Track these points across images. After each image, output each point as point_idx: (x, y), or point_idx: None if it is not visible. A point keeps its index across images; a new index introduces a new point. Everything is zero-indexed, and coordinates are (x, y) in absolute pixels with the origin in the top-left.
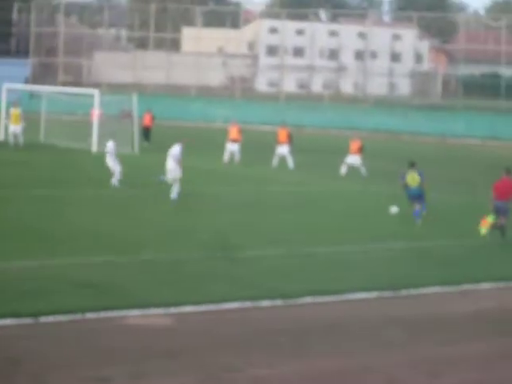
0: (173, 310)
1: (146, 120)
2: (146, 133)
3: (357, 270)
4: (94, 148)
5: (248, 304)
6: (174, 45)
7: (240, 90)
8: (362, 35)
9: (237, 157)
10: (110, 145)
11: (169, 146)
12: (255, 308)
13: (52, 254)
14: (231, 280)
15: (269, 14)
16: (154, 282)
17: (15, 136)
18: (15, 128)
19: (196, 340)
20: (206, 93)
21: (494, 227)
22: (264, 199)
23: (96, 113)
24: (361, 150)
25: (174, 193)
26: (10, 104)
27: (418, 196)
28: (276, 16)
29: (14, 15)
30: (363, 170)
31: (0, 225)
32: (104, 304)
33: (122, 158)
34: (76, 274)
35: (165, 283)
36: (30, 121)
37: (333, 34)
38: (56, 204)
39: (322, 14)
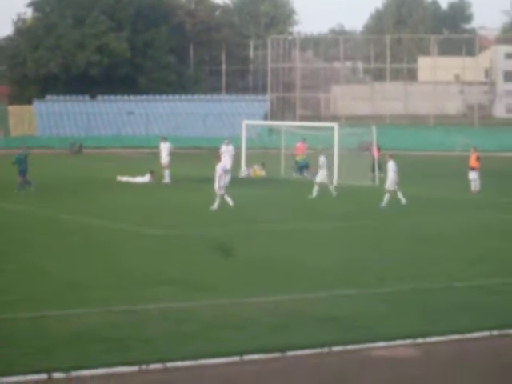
0: (420, 340)
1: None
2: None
3: None
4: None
5: (495, 333)
6: (411, 75)
7: (478, 118)
8: None
9: (476, 184)
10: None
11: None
12: (503, 336)
13: (292, 288)
14: (477, 309)
15: (505, 39)
16: (396, 314)
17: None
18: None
19: (442, 371)
20: (444, 121)
21: None
22: None
23: (299, 146)
24: None
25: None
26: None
27: None
28: None
29: (251, 52)
30: None
31: (246, 259)
32: (348, 337)
33: (361, 190)
34: (318, 309)
35: (408, 314)
36: (270, 156)
37: None
38: (294, 237)
39: None
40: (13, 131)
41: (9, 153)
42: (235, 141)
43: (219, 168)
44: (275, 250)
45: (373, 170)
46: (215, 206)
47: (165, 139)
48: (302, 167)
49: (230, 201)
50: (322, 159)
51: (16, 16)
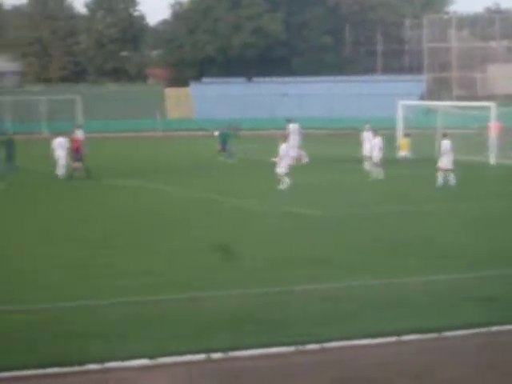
0: None
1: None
2: None
3: None
4: (492, 160)
5: None
6: None
7: None
8: None
9: None
10: None
11: None
12: None
13: (447, 268)
14: None
15: None
16: None
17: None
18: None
19: None
20: None
21: None
22: None
23: (494, 126)
24: None
25: None
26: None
27: None
28: None
29: (406, 32)
30: None
31: (397, 240)
32: (505, 317)
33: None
34: (474, 289)
35: None
36: (426, 136)
37: None
38: (453, 218)
39: None
40: (170, 114)
41: (166, 135)
42: (391, 122)
43: (283, 148)
44: (423, 230)
45: None
46: (283, 185)
47: (289, 121)
48: None
49: (286, 182)
50: (446, 143)
51: (173, 0)
